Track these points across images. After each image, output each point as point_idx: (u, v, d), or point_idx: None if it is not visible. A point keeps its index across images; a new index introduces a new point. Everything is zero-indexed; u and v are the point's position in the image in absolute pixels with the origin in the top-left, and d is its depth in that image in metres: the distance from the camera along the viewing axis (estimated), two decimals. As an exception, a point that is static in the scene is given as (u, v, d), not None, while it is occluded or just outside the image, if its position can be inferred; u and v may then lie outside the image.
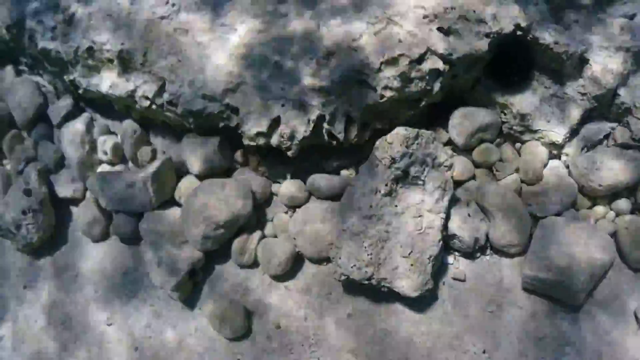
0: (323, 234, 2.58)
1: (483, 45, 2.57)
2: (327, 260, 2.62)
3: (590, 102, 2.70)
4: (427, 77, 2.55)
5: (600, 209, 2.69)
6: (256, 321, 2.63)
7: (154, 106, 2.80)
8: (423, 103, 2.63)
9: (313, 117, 2.55)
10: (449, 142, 2.77)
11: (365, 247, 2.43)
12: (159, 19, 2.77)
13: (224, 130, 2.72)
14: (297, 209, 2.72)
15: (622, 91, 2.72)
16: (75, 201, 3.07)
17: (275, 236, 2.72)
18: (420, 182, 2.48)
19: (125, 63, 2.80)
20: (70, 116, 3.08)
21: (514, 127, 2.73)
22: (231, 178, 2.74)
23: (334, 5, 2.64)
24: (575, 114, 2.71)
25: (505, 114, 2.73)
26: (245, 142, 2.62)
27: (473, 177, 2.72)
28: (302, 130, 2.55)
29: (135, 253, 2.87)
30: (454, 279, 2.61)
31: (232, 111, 2.64)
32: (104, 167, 3.03)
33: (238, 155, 2.81)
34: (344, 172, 2.74)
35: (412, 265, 2.44)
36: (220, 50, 2.66)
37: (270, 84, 2.59)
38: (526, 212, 2.61)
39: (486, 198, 2.60)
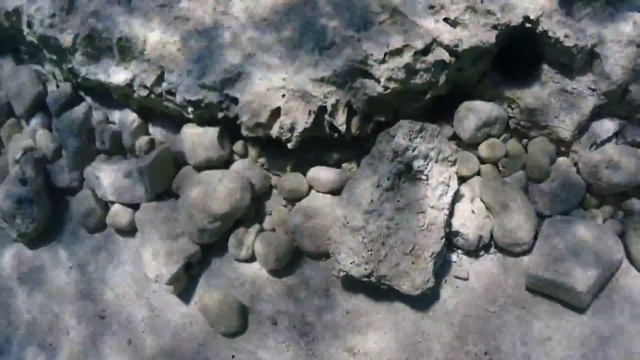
0: (322, 228, 2.52)
1: (490, 37, 2.50)
2: (326, 255, 2.55)
3: (600, 98, 2.62)
4: (432, 69, 2.48)
5: (608, 209, 2.61)
6: (252, 317, 2.57)
7: (152, 95, 2.74)
8: (428, 96, 2.56)
9: (314, 108, 2.48)
10: (454, 137, 2.70)
11: (366, 243, 2.36)
12: (159, 7, 2.71)
13: (223, 120, 2.66)
14: (296, 203, 2.64)
15: (633, 87, 2.64)
16: (72, 191, 3.01)
17: (274, 230, 2.66)
18: (424, 177, 2.41)
19: (125, 51, 2.75)
20: (68, 105, 3.02)
21: (521, 123, 2.66)
22: (230, 170, 2.68)
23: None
24: (584, 110, 2.63)
25: (512, 109, 2.66)
26: (244, 133, 2.56)
27: (478, 173, 2.65)
28: (303, 121, 2.48)
29: (130, 245, 2.80)
30: (457, 277, 2.54)
31: (232, 101, 2.57)
32: (101, 157, 2.96)
33: (237, 147, 2.75)
34: (345, 166, 2.67)
35: (413, 262, 2.38)
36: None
37: (271, 73, 2.52)
38: (532, 210, 2.54)
39: (491, 195, 2.53)
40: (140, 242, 2.70)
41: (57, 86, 3.17)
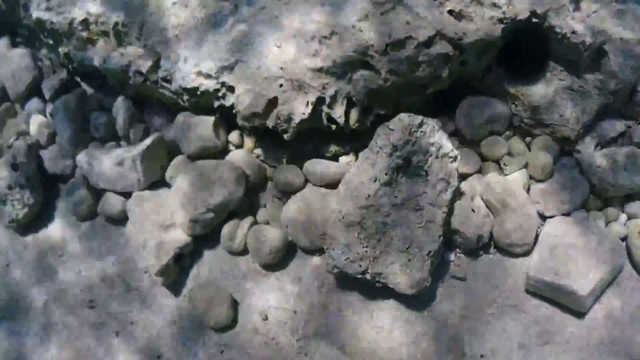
0: (317, 223, 2.45)
1: (496, 31, 2.43)
2: (321, 251, 2.49)
3: (607, 98, 2.55)
4: (434, 62, 2.42)
5: (612, 211, 2.54)
6: (243, 311, 2.50)
7: (148, 82, 2.69)
8: (430, 89, 2.50)
9: (312, 99, 2.42)
10: (455, 133, 2.63)
11: (361, 240, 2.30)
12: (158, -8, 2.65)
13: (219, 109, 2.60)
14: (291, 196, 2.58)
15: (641, 88, 2.56)
16: (65, 178, 2.96)
17: (268, 223, 2.60)
18: (423, 173, 2.34)
19: (121, 36, 2.69)
20: (63, 90, 2.98)
21: (525, 120, 2.59)
22: (224, 160, 2.61)
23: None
24: (590, 109, 2.56)
25: (516, 106, 2.59)
26: (240, 122, 2.50)
27: (479, 171, 2.58)
28: (300, 112, 2.42)
29: (121, 234, 2.74)
30: (454, 277, 2.47)
31: (228, 89, 2.51)
32: (95, 144, 2.91)
33: (233, 137, 2.69)
34: (343, 159, 2.61)
35: (409, 260, 2.31)
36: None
37: (269, 62, 2.45)
38: (534, 210, 2.47)
39: (492, 193, 2.46)
40: (131, 232, 2.63)
41: (54, 71, 3.12)
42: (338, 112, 2.45)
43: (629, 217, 2.55)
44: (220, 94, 2.55)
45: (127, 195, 2.72)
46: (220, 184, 2.48)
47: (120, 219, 2.77)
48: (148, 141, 2.64)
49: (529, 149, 2.61)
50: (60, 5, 2.79)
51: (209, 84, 2.54)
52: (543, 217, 2.51)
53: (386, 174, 2.30)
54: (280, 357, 2.42)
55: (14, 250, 2.98)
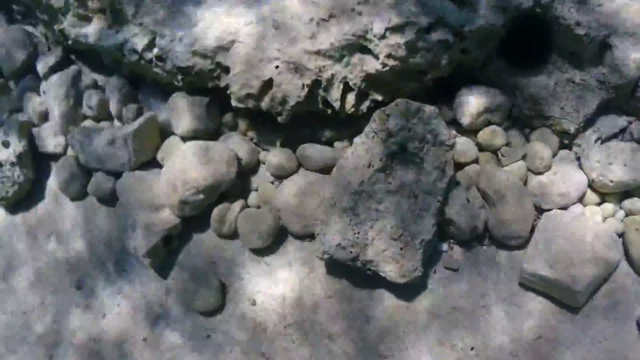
0: (309, 208, 2.41)
1: (498, 20, 2.38)
2: (312, 236, 2.45)
3: (609, 92, 2.51)
4: (434, 49, 2.37)
5: (609, 207, 2.50)
6: (231, 296, 2.46)
7: (142, 61, 2.65)
8: (428, 76, 2.45)
9: (308, 82, 2.37)
10: (453, 122, 2.58)
11: (353, 226, 2.26)
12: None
13: (213, 90, 2.56)
14: (284, 180, 2.53)
15: (644, 83, 2.52)
16: (57, 157, 2.92)
17: (259, 207, 2.55)
18: (418, 160, 2.30)
19: (117, 14, 2.65)
20: (57, 68, 2.93)
21: (525, 111, 2.55)
22: (217, 141, 2.57)
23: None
24: (591, 103, 2.51)
25: (516, 97, 2.55)
26: (234, 103, 2.46)
27: (476, 161, 2.54)
28: (295, 95, 2.38)
29: (111, 214, 2.70)
30: (447, 268, 2.43)
31: (223, 70, 2.47)
32: (88, 123, 2.86)
33: (227, 118, 2.65)
34: (337, 144, 2.56)
35: (401, 249, 2.27)
36: (215, 5, 2.49)
37: (266, 44, 2.41)
38: (530, 202, 2.43)
39: (488, 184, 2.42)
40: (120, 212, 2.59)
41: (49, 49, 3.08)
42: (334, 96, 2.41)
43: (627, 213, 2.50)
44: (215, 75, 2.51)
45: (117, 174, 2.68)
46: (211, 166, 2.44)
47: (111, 199, 2.73)
48: (140, 120, 2.60)
49: (528, 141, 2.56)
50: (57, -20, 2.75)
51: (204, 64, 2.50)
52: (540, 210, 2.46)
53: (380, 160, 2.26)
54: (268, 343, 2.38)
55: (3, 229, 2.93)
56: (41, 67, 2.96)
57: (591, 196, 2.51)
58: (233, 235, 2.54)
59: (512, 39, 2.52)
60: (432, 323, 2.36)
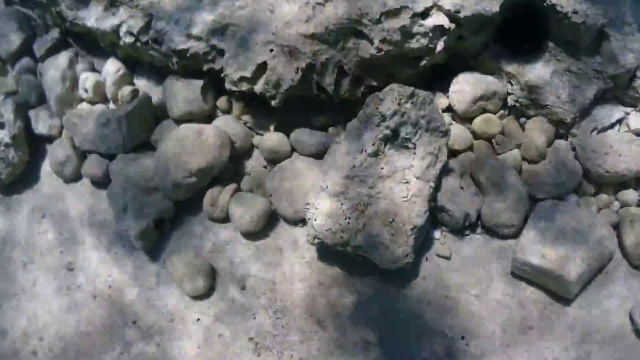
0: (301, 193, 2.39)
1: (494, 6, 2.37)
2: (304, 221, 2.43)
3: (606, 82, 2.49)
4: (430, 34, 2.36)
5: (604, 198, 2.48)
6: (221, 280, 2.45)
7: (138, 43, 2.64)
8: (424, 62, 2.44)
9: (302, 65, 2.36)
10: (449, 109, 2.57)
11: (344, 210, 2.24)
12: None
13: (208, 73, 2.55)
14: (277, 164, 2.52)
15: (642, 74, 2.50)
16: (52, 139, 2.91)
17: (252, 191, 2.54)
18: (411, 146, 2.28)
19: (114, -5, 2.64)
20: (54, 50, 2.93)
21: (520, 100, 2.53)
22: (210, 125, 2.56)
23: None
24: (588, 92, 2.50)
25: (512, 85, 2.53)
26: (228, 86, 2.46)
27: (471, 149, 2.52)
28: (289, 78, 2.37)
29: (104, 196, 2.69)
30: (439, 255, 2.41)
31: (218, 53, 2.46)
32: (83, 105, 2.86)
33: (221, 102, 2.64)
34: (331, 130, 2.55)
35: (393, 235, 2.25)
36: (211, -13, 2.48)
37: (261, 27, 2.40)
38: (524, 191, 2.41)
39: (482, 172, 2.40)
40: (112, 194, 2.58)
41: (46, 31, 3.07)
42: (328, 81, 2.40)
43: (622, 205, 2.48)
44: (210, 57, 2.50)
45: (111, 157, 2.67)
46: (204, 149, 2.43)
47: (104, 182, 2.72)
48: (134, 103, 2.59)
49: (523, 130, 2.54)
50: (54, -39, 2.75)
51: (199, 47, 2.49)
52: (534, 200, 2.44)
53: (373, 144, 2.25)
54: (257, 328, 2.37)
55: (-3, 209, 2.94)
56: (38, 49, 2.96)
57: (586, 186, 2.48)
58: (225, 218, 2.53)
59: (508, 26, 2.50)
60: (424, 311, 2.34)
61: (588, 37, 2.44)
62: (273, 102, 2.41)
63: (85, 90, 2.85)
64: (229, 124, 2.58)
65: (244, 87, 2.42)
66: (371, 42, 2.36)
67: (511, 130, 2.51)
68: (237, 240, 2.51)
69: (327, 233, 2.25)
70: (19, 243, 2.83)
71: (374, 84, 2.47)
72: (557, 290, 2.31)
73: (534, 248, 2.28)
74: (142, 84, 2.82)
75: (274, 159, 2.56)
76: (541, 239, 2.29)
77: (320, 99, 2.46)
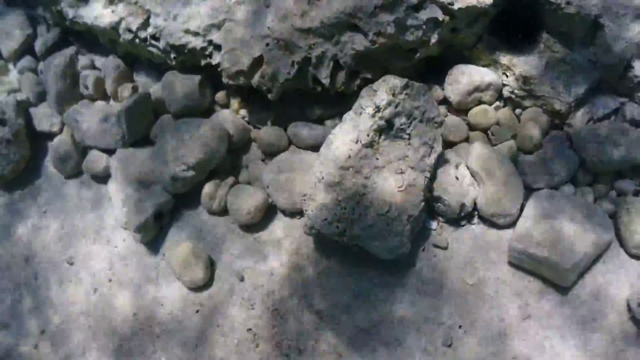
0: (298, 185, 2.42)
1: (488, -2, 2.38)
2: (301, 213, 2.46)
3: (601, 72, 2.50)
4: (424, 27, 2.37)
5: (601, 187, 2.48)
6: (219, 271, 2.47)
7: (137, 40, 2.68)
8: (419, 55, 2.46)
9: (298, 59, 2.39)
10: (444, 101, 2.58)
11: (340, 201, 2.26)
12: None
13: (206, 68, 2.58)
14: (274, 157, 2.55)
15: (636, 64, 2.51)
16: (53, 135, 2.95)
17: (249, 184, 2.56)
18: (406, 136, 2.30)
19: (113, -7, 2.68)
20: (55, 48, 2.98)
21: (516, 91, 2.54)
22: (208, 119, 2.59)
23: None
24: (583, 83, 2.51)
25: (507, 76, 2.55)
26: (225, 80, 2.49)
27: (467, 140, 2.53)
28: (285, 71, 2.40)
29: (104, 191, 2.73)
30: (435, 245, 2.42)
31: (215, 48, 2.49)
32: (84, 102, 2.90)
33: (219, 96, 2.67)
34: (328, 123, 2.57)
35: (388, 224, 2.26)
36: (208, -16, 2.52)
37: (257, 22, 2.43)
38: (520, 181, 2.42)
39: (478, 162, 2.42)
40: (112, 189, 2.61)
41: (48, 30, 3.12)
42: (324, 74, 2.42)
43: (619, 194, 2.48)
44: (207, 52, 2.53)
45: (111, 152, 2.70)
46: (202, 142, 2.46)
47: (104, 176, 2.75)
48: (134, 98, 2.63)
49: (519, 121, 2.55)
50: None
51: (197, 42, 2.52)
52: (529, 189, 2.45)
53: (368, 135, 2.26)
54: (255, 319, 2.39)
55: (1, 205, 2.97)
56: (39, 47, 3.01)
57: (583, 176, 2.49)
58: (223, 211, 2.55)
59: (503, 18, 2.52)
60: (420, 301, 2.35)
61: (582, 27, 2.45)
62: (270, 96, 2.43)
63: (86, 87, 2.89)
64: (227, 118, 2.60)
65: (241, 80, 2.45)
66: (366, 35, 2.38)
67: (507, 121, 2.53)
68: (235, 232, 2.53)
69: (323, 223, 2.27)
70: (20, 238, 2.86)
71: (370, 76, 2.49)
72: (554, 278, 2.32)
73: (530, 236, 2.29)
74: (141, 80, 2.86)
75: (271, 152, 2.58)
76: (537, 227, 2.30)
77: (317, 93, 2.48)
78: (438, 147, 2.35)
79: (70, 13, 2.82)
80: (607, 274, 2.36)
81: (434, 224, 2.45)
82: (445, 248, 2.41)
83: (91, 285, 2.63)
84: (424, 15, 2.37)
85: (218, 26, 2.47)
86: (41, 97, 3.02)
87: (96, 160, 2.72)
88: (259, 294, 2.41)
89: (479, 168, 2.40)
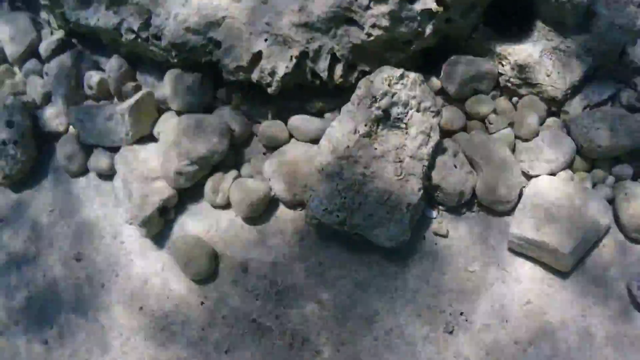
0: (300, 177, 2.46)
1: (482, -12, 2.42)
2: (302, 205, 2.49)
3: (595, 59, 2.53)
4: (418, 18, 2.41)
5: (599, 172, 2.50)
6: (223, 264, 2.51)
7: (139, 40, 2.73)
8: (414, 46, 2.49)
9: (296, 53, 2.43)
10: (441, 91, 2.62)
11: (340, 190, 2.30)
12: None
13: (207, 65, 2.63)
14: (275, 151, 2.59)
15: (631, 50, 2.53)
16: (59, 135, 3.01)
17: (252, 177, 2.61)
18: (403, 126, 2.34)
19: (115, -6, 2.74)
20: (59, 50, 3.03)
21: (512, 79, 2.57)
22: (210, 114, 2.64)
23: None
24: (578, 70, 2.54)
25: (502, 65, 2.58)
26: (225, 76, 2.53)
27: (464, 129, 2.56)
28: (284, 66, 2.44)
29: (110, 188, 2.78)
30: (436, 234, 2.45)
31: (215, 45, 2.54)
32: (88, 102, 2.96)
33: (220, 93, 2.72)
34: (327, 115, 2.61)
35: (388, 213, 2.30)
36: (207, -18, 2.57)
37: (255, 18, 2.48)
38: (518, 168, 2.45)
39: (476, 150, 2.45)
40: (117, 185, 2.67)
41: (52, 33, 3.18)
42: (322, 67, 2.46)
43: (617, 179, 2.50)
44: (207, 50, 2.58)
45: (116, 150, 2.75)
46: (205, 137, 2.51)
47: (110, 174, 2.81)
48: (137, 96, 2.68)
49: (515, 109, 2.58)
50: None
51: (197, 40, 2.57)
52: (528, 177, 2.48)
53: (365, 125, 2.30)
54: (259, 309, 2.42)
55: (8, 206, 3.03)
56: (44, 50, 3.06)
57: (580, 162, 2.52)
58: (226, 205, 2.59)
59: (497, 8, 2.55)
60: (422, 288, 2.38)
61: (576, 15, 2.48)
62: (269, 90, 2.48)
63: (90, 88, 2.95)
64: (228, 114, 2.65)
65: (241, 76, 2.49)
66: (362, 28, 2.42)
67: (503, 109, 2.56)
68: (238, 225, 2.57)
69: (324, 213, 2.31)
70: (28, 237, 2.92)
71: (367, 69, 2.53)
72: (553, 264, 2.34)
73: (529, 222, 2.32)
74: (144, 79, 2.90)
75: (272, 146, 2.63)
76: (536, 214, 2.33)
77: (315, 86, 2.53)
78: (435, 136, 2.38)
79: (73, 16, 2.88)
80: (605, 258, 2.38)
81: (433, 213, 2.48)
82: (446, 236, 2.44)
83: (98, 281, 2.67)
84: (417, 6, 2.40)
85: (218, 23, 2.51)
86: (47, 98, 3.07)
87: (101, 158, 2.77)
88: (263, 284, 2.45)
89: (477, 156, 2.43)
